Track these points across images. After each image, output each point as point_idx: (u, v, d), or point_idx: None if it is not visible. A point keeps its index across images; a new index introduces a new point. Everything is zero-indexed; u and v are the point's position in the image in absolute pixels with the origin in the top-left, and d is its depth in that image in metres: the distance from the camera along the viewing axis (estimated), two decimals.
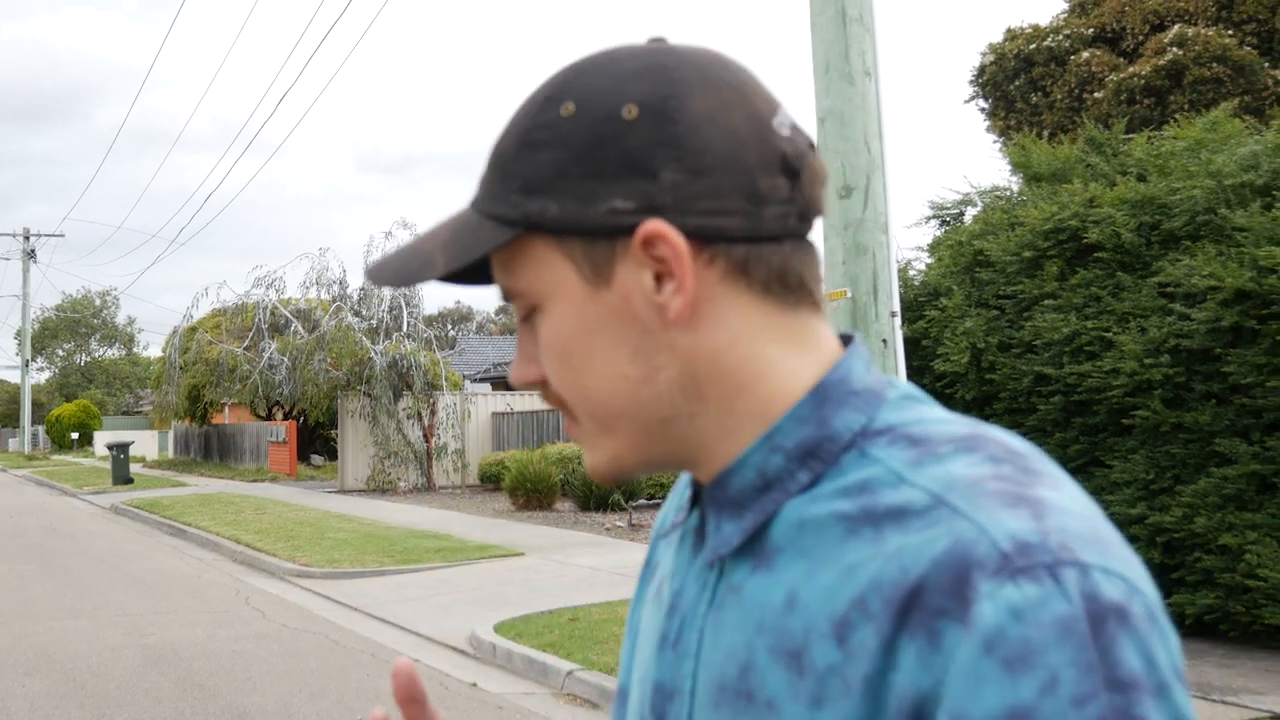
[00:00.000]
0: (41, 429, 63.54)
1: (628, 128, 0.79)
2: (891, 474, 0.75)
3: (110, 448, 30.81)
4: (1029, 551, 0.67)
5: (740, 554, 0.81)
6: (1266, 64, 22.75)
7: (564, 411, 0.85)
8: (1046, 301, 8.47)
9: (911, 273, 10.36)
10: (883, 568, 0.71)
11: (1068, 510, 0.70)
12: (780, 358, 0.82)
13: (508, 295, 0.85)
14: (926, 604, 0.68)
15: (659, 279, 0.79)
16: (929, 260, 10.57)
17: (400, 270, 0.84)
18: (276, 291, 28.06)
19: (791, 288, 0.82)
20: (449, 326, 76.89)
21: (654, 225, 0.78)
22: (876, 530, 0.73)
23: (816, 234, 0.86)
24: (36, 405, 77.95)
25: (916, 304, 9.85)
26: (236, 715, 7.14)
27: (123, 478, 29.86)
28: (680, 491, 0.97)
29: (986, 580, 0.66)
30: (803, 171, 0.81)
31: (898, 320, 5.72)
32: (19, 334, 62.21)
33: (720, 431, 0.81)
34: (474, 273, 0.88)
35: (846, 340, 0.87)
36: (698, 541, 0.86)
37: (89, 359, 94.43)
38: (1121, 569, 0.68)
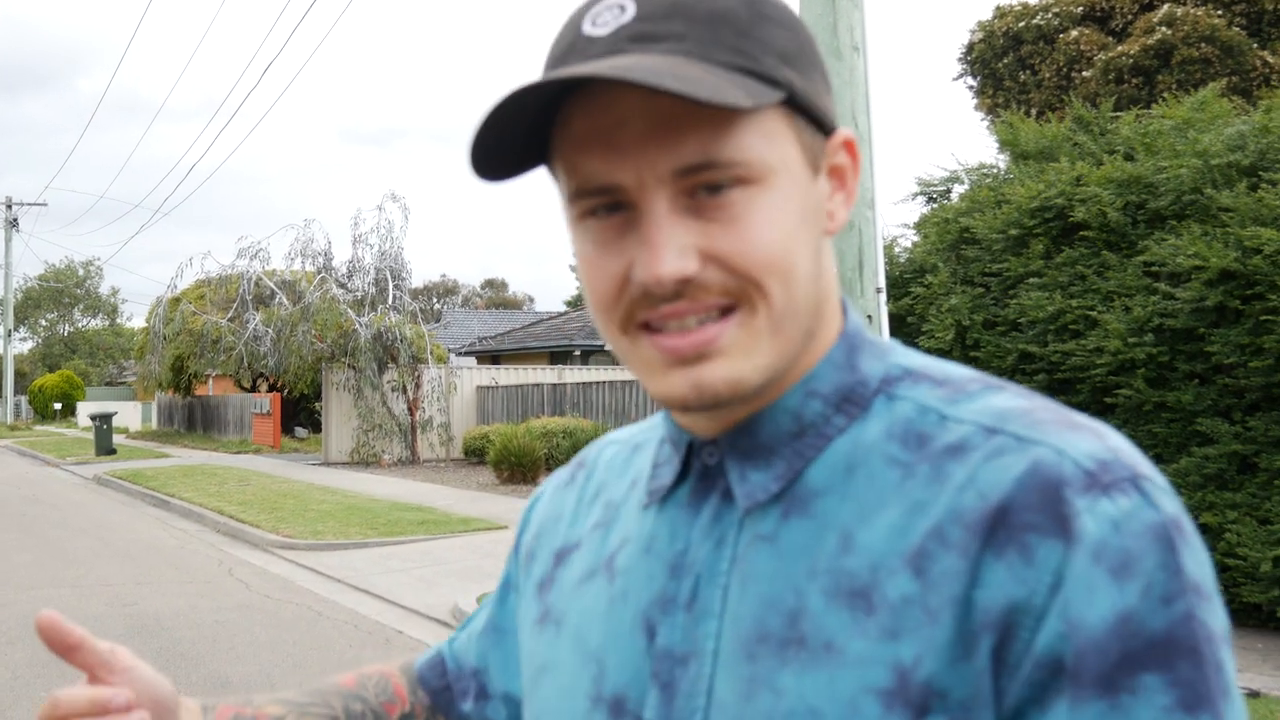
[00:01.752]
0: (24, 399, 63.29)
1: (810, 39, 0.82)
2: (932, 412, 0.79)
3: (93, 418, 30.70)
4: (1110, 468, 0.72)
5: (765, 503, 0.80)
6: (1255, 45, 22.78)
7: (733, 301, 0.77)
8: (1032, 280, 8.48)
9: (897, 249, 10.37)
10: (956, 498, 0.73)
11: (1114, 433, 0.76)
12: (834, 299, 0.85)
13: (708, 165, 0.75)
14: (1014, 522, 0.71)
15: (831, 182, 0.83)
16: (915, 237, 10.58)
17: (697, 86, 0.70)
18: (261, 263, 27.91)
19: None
20: (434, 300, 76.76)
21: (848, 132, 0.82)
22: (935, 467, 0.75)
23: None
24: (19, 376, 77.63)
25: (902, 281, 9.86)
26: (219, 684, 7.15)
27: (106, 448, 29.78)
28: (654, 454, 0.92)
29: (1080, 496, 0.70)
30: None
31: (883, 296, 5.72)
32: (1, 303, 61.88)
33: (796, 364, 0.82)
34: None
35: None
36: (697, 501, 0.84)
37: (72, 329, 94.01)
38: (1168, 485, 0.74)
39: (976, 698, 0.70)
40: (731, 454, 0.82)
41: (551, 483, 1.06)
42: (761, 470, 0.81)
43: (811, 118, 0.80)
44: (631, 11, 0.76)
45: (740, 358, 0.77)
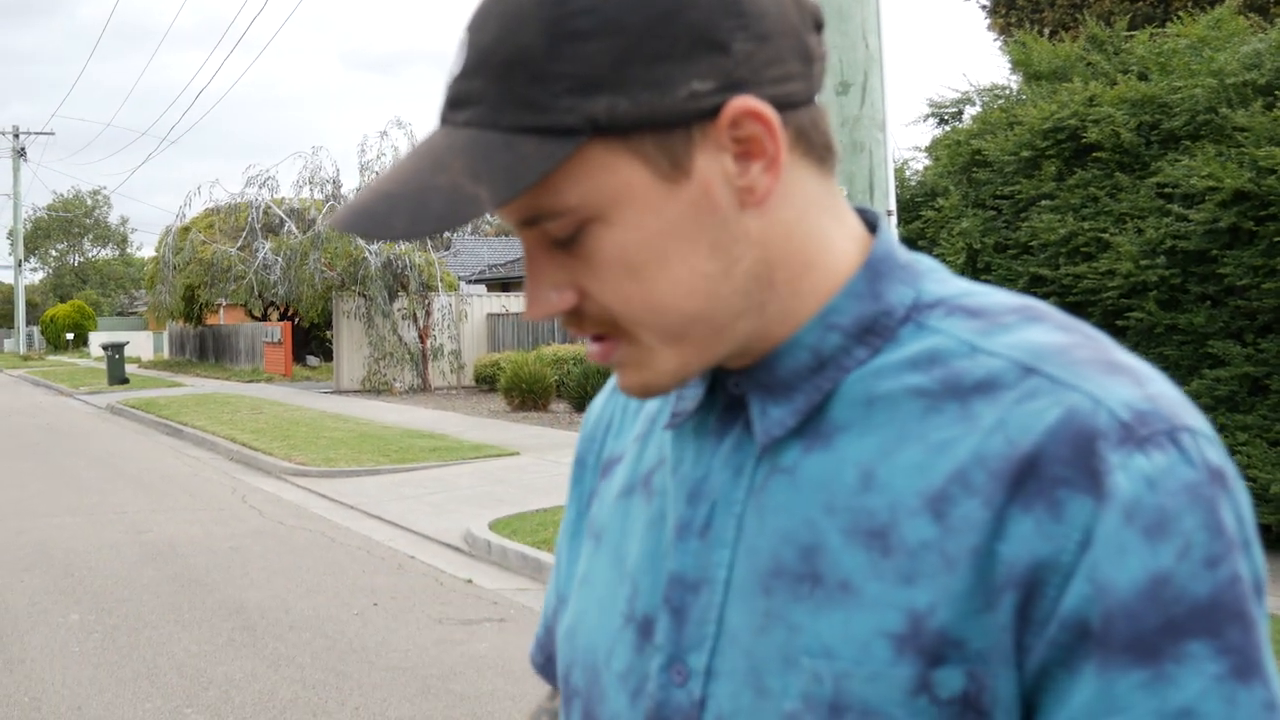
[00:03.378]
0: (36, 329, 63.50)
1: (642, 12, 0.71)
2: (963, 344, 0.75)
3: (105, 348, 30.82)
4: (1147, 420, 0.69)
5: (789, 435, 0.78)
6: None
7: (610, 333, 0.77)
8: (1044, 202, 8.41)
9: (908, 172, 10.28)
10: (984, 441, 0.70)
11: (1155, 376, 0.73)
12: (832, 230, 0.80)
13: (541, 217, 0.74)
14: (1044, 474, 0.68)
15: (736, 160, 0.74)
16: (926, 160, 10.48)
17: (421, 214, 0.70)
18: (270, 191, 27.82)
19: (830, 151, 0.80)
20: None
21: (743, 102, 0.72)
22: (963, 404, 0.73)
23: None
24: (31, 306, 77.90)
25: (913, 204, 9.79)
26: (234, 609, 7.23)
27: (118, 378, 29.91)
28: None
29: (1113, 450, 0.67)
30: (822, 22, 0.79)
31: (894, 220, 5.66)
32: (11, 233, 61.89)
33: (783, 315, 0.78)
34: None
35: (861, 211, 0.85)
36: (721, 428, 0.82)
37: (83, 259, 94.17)
38: (1211, 431, 0.71)
39: (996, 651, 0.69)
40: (754, 388, 0.80)
41: (606, 389, 1.03)
42: (781, 405, 0.78)
43: (658, 124, 0.72)
44: (460, 62, 0.75)
45: (641, 369, 0.78)
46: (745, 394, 0.81)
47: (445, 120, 0.75)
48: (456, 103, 0.74)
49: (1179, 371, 7.63)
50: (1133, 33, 9.67)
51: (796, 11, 0.76)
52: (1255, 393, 7.38)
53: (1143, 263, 7.58)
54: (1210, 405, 7.40)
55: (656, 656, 0.80)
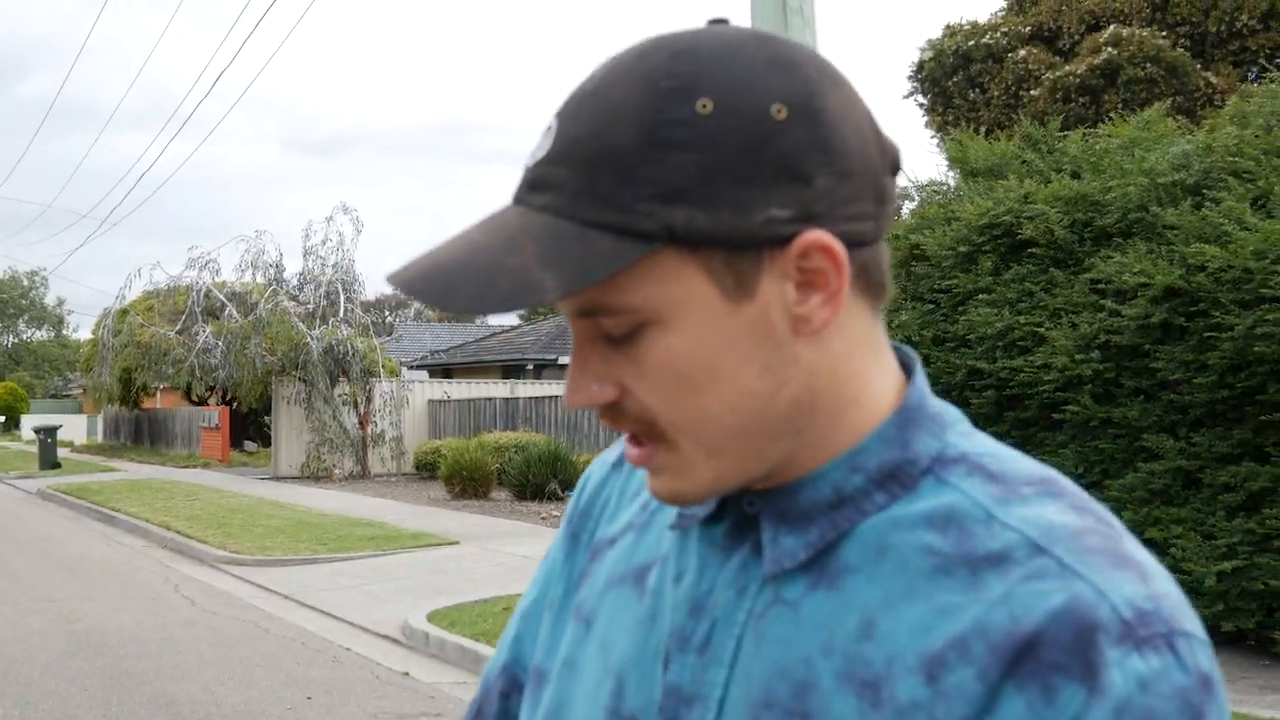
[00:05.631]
0: None
1: (779, 129, 0.72)
2: (979, 509, 0.76)
3: (37, 431, 30.29)
4: (1148, 621, 0.70)
5: (792, 570, 0.79)
6: (1199, 65, 23.14)
7: (647, 434, 0.78)
8: (981, 296, 8.55)
9: None
10: (987, 613, 0.71)
11: (1160, 573, 0.74)
12: (875, 369, 0.81)
13: (599, 311, 0.75)
14: (1041, 657, 0.69)
15: (799, 289, 0.75)
16: None
17: (488, 293, 0.71)
18: (211, 274, 27.65)
19: (884, 290, 0.81)
20: (386, 313, 76.36)
21: (816, 236, 0.73)
22: (973, 573, 0.73)
23: None
24: None
25: None
26: (164, 704, 7.04)
27: (50, 462, 29.36)
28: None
29: (1112, 647, 0.68)
30: (900, 166, 0.80)
31: None
32: None
33: (816, 446, 0.78)
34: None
35: (896, 349, 0.85)
36: (729, 544, 0.83)
37: (16, 341, 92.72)
38: (1205, 636, 0.73)
39: None
40: (769, 512, 0.80)
41: (602, 462, 1.03)
42: (795, 535, 0.79)
43: (732, 243, 0.73)
44: (546, 147, 0.76)
45: (677, 477, 0.78)
46: (759, 515, 0.81)
47: (520, 200, 0.76)
48: (536, 185, 0.75)
49: (1114, 464, 7.73)
50: (1066, 133, 9.93)
51: (878, 153, 0.78)
52: (1188, 486, 7.48)
53: (1078, 357, 7.71)
54: (1145, 498, 7.49)
55: None
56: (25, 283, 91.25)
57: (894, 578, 0.75)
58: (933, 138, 26.71)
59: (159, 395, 40.32)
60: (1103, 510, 0.77)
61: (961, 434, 0.81)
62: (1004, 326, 8.22)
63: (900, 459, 0.79)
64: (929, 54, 26.53)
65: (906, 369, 0.84)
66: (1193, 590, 7.16)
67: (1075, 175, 8.81)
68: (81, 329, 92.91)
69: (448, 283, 0.72)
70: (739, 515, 0.83)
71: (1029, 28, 25.41)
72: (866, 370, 0.80)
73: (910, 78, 27.39)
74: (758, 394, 0.75)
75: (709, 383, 0.74)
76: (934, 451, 0.79)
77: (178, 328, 27.47)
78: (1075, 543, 0.72)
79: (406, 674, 7.88)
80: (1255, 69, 22.26)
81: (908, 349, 0.85)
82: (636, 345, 0.75)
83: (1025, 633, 0.69)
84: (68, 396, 68.00)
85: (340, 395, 25.15)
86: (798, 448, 0.78)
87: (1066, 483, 0.79)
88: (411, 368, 35.35)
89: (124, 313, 30.03)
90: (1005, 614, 0.71)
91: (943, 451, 0.79)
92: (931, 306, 9.03)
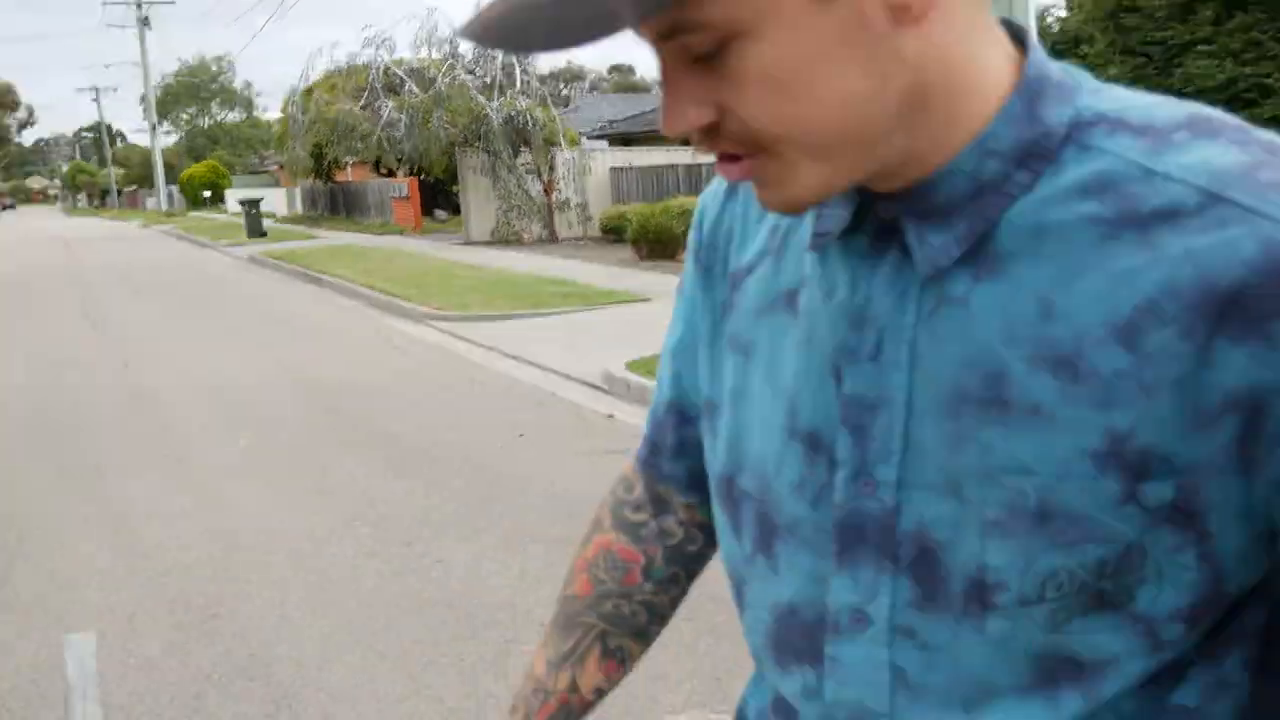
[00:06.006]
0: (175, 188, 65.27)
1: None
2: (1134, 167, 0.72)
3: (242, 203, 31.67)
4: None
5: (950, 267, 0.76)
6: None
7: (748, 150, 0.74)
8: (1200, 47, 8.10)
9: (1049, 20, 9.96)
10: (1172, 272, 0.69)
11: None
12: (988, 50, 0.75)
13: (681, 30, 0.70)
14: (1251, 309, 0.67)
15: None
16: (1062, 11, 10.12)
17: (562, 29, 0.66)
18: (388, 51, 27.95)
19: None
20: (562, 85, 76.05)
21: None
22: (1143, 232, 0.70)
23: None
24: (166, 167, 79.75)
25: (1055, 52, 9.50)
26: (388, 439, 7.56)
27: (257, 231, 30.77)
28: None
29: None
30: None
31: None
32: (144, 98, 63.22)
33: (937, 140, 0.75)
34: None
35: (1005, 23, 0.80)
36: (874, 254, 0.81)
37: (212, 122, 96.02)
38: None
39: (1211, 465, 0.70)
40: (909, 214, 0.77)
41: (714, 194, 1.02)
42: (941, 232, 0.76)
43: None
44: None
45: (783, 186, 0.75)
46: (898, 219, 0.78)
47: None
48: None
49: None
50: None
51: None
52: None
53: None
54: None
55: (840, 470, 0.82)
56: (214, 68, 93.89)
57: (1060, 255, 0.73)
58: None
59: (349, 169, 41.44)
60: (1266, 136, 0.73)
61: (1093, 92, 0.77)
62: (1226, 79, 7.80)
63: (1034, 134, 0.75)
64: None
65: (1018, 41, 0.79)
66: None
67: None
68: (270, 109, 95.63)
69: (519, 24, 0.66)
70: (878, 223, 0.80)
71: None
72: (979, 54, 0.74)
73: None
74: (861, 94, 0.70)
75: (808, 88, 0.70)
76: (1067, 118, 0.75)
77: (361, 104, 27.97)
78: (1249, 181, 0.69)
79: (611, 416, 8.20)
80: None
81: (1014, 21, 0.80)
82: (727, 61, 0.70)
83: (1224, 289, 0.67)
84: (265, 172, 70.50)
85: (523, 164, 25.43)
86: (916, 143, 0.74)
87: (1220, 115, 0.74)
88: (591, 138, 35.41)
89: (309, 91, 30.67)
90: (1193, 270, 0.68)
91: (1077, 116, 0.75)
92: (1144, 60, 8.60)
